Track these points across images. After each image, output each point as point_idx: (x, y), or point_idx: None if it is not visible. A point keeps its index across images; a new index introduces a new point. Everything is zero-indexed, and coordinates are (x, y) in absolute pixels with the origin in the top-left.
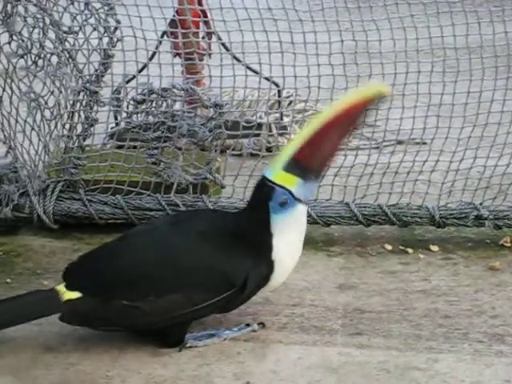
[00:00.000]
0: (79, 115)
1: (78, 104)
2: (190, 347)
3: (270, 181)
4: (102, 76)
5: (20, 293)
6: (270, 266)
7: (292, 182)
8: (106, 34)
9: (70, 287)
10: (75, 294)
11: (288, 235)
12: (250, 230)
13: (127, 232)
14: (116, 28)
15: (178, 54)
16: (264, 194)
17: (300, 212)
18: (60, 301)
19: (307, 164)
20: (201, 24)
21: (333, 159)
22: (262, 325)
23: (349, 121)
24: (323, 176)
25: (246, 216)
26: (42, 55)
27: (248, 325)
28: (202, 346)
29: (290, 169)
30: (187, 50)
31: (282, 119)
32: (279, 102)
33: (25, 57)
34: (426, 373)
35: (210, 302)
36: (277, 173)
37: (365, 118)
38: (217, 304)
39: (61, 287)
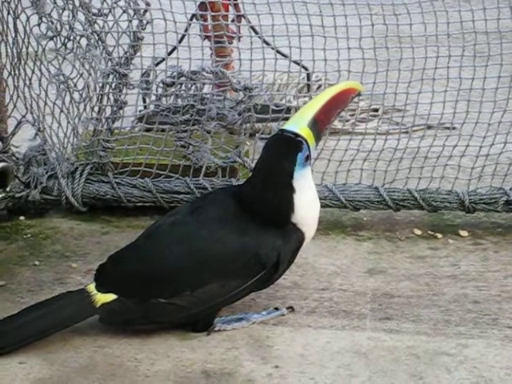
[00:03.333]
0: (108, 98)
1: (107, 86)
2: (219, 331)
3: (298, 134)
4: (132, 58)
5: (48, 275)
6: (299, 232)
7: (312, 140)
8: (135, 17)
9: (102, 289)
10: (110, 297)
11: (307, 192)
12: (268, 189)
13: (150, 228)
14: (146, 10)
15: (208, 37)
16: (292, 146)
17: (309, 171)
18: (94, 303)
19: (321, 127)
20: (230, 7)
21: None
22: (291, 309)
23: (342, 101)
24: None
25: (266, 171)
26: (72, 37)
27: (277, 309)
28: (230, 330)
29: (312, 127)
30: (217, 33)
31: None
32: (308, 86)
33: (54, 39)
34: (456, 358)
35: (245, 286)
36: (303, 127)
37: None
38: (252, 286)
39: (91, 288)
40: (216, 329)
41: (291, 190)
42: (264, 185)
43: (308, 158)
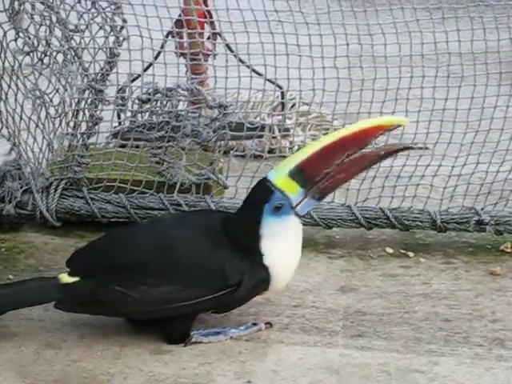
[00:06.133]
0: (84, 113)
1: (83, 102)
2: (195, 342)
3: (272, 183)
4: (108, 75)
5: None
6: (266, 271)
7: (293, 190)
8: (112, 33)
9: (71, 273)
10: (74, 279)
11: (278, 241)
12: (240, 228)
13: (130, 224)
14: (122, 27)
15: (183, 54)
16: (262, 195)
17: (291, 222)
18: (59, 285)
19: (312, 176)
20: (206, 25)
21: (340, 182)
22: (269, 325)
23: (359, 144)
24: (325, 197)
25: (239, 215)
26: (48, 53)
27: (255, 324)
28: (207, 343)
29: (294, 176)
30: (192, 51)
31: (285, 121)
32: (283, 104)
33: (31, 54)
34: (427, 375)
35: (202, 299)
36: (280, 177)
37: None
38: (209, 302)
39: (63, 275)
40: (193, 340)
41: (257, 236)
42: (238, 224)
43: (279, 207)
